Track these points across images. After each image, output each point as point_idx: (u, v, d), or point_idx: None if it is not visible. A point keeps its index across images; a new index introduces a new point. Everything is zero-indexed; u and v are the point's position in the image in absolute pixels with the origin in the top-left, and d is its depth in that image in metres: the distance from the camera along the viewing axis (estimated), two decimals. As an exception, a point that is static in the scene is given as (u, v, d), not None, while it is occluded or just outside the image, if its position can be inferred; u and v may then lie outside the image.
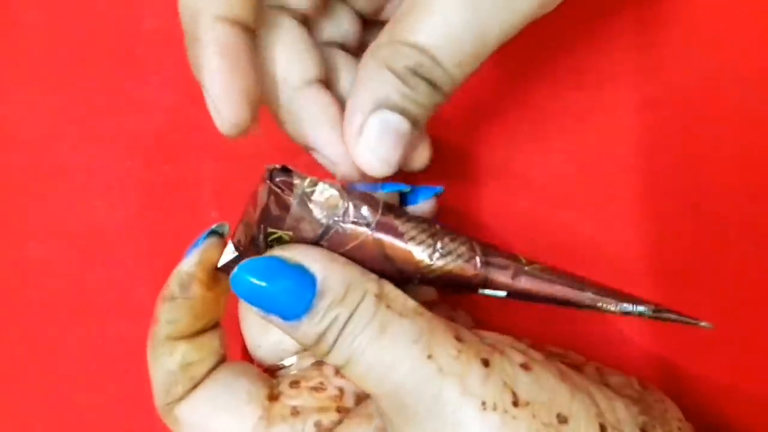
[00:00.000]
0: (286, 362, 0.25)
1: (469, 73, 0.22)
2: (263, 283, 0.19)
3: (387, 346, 0.19)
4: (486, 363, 0.19)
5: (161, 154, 0.30)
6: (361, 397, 0.23)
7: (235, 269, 0.20)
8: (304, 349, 0.25)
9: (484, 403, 0.19)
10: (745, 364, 0.27)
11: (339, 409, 0.22)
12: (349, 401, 0.23)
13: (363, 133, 0.22)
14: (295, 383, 0.23)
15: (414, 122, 0.22)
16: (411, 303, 0.20)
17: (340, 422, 0.22)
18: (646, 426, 0.20)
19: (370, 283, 0.20)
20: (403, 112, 0.21)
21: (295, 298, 0.19)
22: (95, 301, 0.30)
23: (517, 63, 0.30)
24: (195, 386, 0.23)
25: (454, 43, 0.21)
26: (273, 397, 0.23)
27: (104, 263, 0.30)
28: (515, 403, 0.19)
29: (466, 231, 0.29)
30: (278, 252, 0.20)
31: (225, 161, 0.30)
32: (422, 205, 0.25)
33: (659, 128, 0.28)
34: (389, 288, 0.20)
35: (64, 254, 0.30)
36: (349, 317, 0.19)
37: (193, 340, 0.23)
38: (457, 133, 0.29)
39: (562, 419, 0.19)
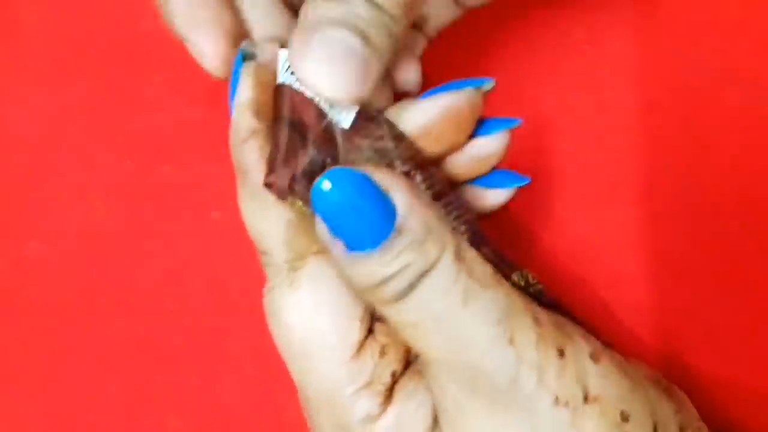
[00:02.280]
0: None
1: None
2: (357, 196, 0.18)
3: (468, 321, 0.18)
4: (561, 353, 0.19)
5: (161, 154, 0.30)
6: None
7: (322, 177, 0.18)
8: None
9: (557, 399, 0.18)
10: (744, 364, 0.27)
11: (407, 360, 0.21)
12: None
13: (305, 53, 0.19)
14: (381, 318, 0.21)
15: (364, 37, 0.19)
16: (488, 268, 0.19)
17: (400, 376, 0.21)
18: (682, 424, 0.20)
19: (448, 236, 0.19)
20: (349, 26, 0.19)
21: (370, 225, 0.18)
22: (95, 301, 0.30)
23: (517, 63, 0.30)
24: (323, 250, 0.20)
25: None
26: (370, 329, 0.21)
27: (104, 263, 0.30)
28: (586, 398, 0.19)
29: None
30: (369, 170, 0.18)
31: (226, 161, 0.30)
32: (493, 139, 0.22)
33: (659, 128, 0.28)
34: (465, 244, 0.19)
35: (64, 254, 0.30)
36: (426, 272, 0.18)
37: None
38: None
39: (625, 417, 0.19)
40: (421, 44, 0.26)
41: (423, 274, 0.18)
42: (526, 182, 0.23)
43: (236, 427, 0.29)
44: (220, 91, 0.31)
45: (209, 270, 0.29)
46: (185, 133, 0.30)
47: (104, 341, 0.29)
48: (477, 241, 0.20)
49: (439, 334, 0.18)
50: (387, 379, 0.20)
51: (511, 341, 0.18)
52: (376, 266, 0.18)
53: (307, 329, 0.20)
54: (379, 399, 0.20)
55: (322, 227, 0.19)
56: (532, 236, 0.29)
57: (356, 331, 0.20)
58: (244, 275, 0.29)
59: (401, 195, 0.18)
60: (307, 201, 0.19)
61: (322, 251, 0.20)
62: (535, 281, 0.22)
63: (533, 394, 0.18)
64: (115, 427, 0.29)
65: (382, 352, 0.20)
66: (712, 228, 0.28)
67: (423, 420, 0.20)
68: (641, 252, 0.28)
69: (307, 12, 0.20)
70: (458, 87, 0.21)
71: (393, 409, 0.20)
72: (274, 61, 0.21)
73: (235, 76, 0.21)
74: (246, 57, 0.21)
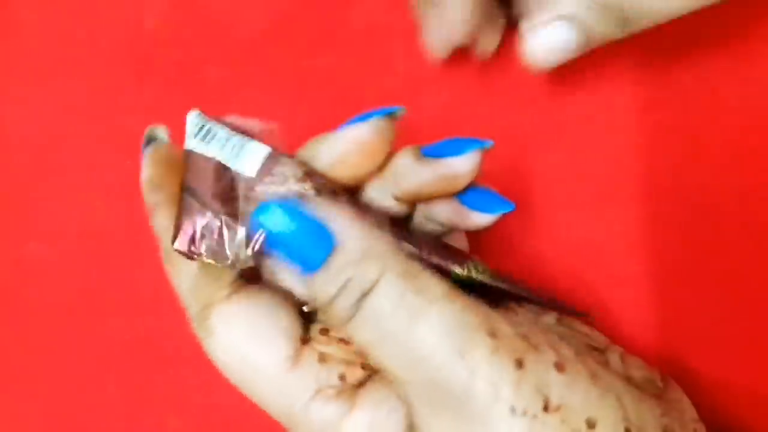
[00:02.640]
0: None
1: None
2: (291, 224, 0.19)
3: (418, 337, 0.19)
4: (520, 364, 0.19)
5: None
6: None
7: (270, 204, 0.20)
8: None
9: (513, 408, 0.18)
10: (745, 365, 0.27)
11: (364, 366, 0.22)
12: None
13: (537, 36, 0.25)
14: (324, 330, 0.22)
15: (585, 37, 0.25)
16: (442, 287, 0.20)
17: (363, 382, 0.21)
18: (667, 429, 0.20)
19: (390, 256, 0.20)
20: (578, 23, 0.25)
21: (314, 249, 0.19)
22: (95, 301, 0.30)
23: (517, 63, 0.30)
24: (233, 292, 0.22)
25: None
26: (304, 339, 0.22)
27: (104, 263, 0.30)
28: (546, 408, 0.19)
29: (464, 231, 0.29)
30: (305, 203, 0.20)
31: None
32: (462, 160, 0.23)
33: (659, 128, 0.28)
34: (417, 267, 0.20)
35: (64, 254, 0.30)
36: (368, 290, 0.19)
37: None
38: (457, 133, 0.29)
39: (591, 424, 0.19)
40: None
41: (365, 293, 0.19)
42: (511, 209, 0.24)
43: (236, 427, 0.29)
44: (220, 91, 0.31)
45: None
46: (184, 133, 0.30)
47: (104, 341, 0.29)
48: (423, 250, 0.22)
49: (392, 352, 0.19)
50: (335, 382, 0.21)
51: (463, 355, 0.19)
52: (322, 285, 0.19)
53: (239, 361, 0.21)
54: (337, 403, 0.20)
55: (274, 261, 0.20)
56: (532, 236, 0.28)
57: (282, 347, 0.21)
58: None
59: (337, 219, 0.20)
60: (212, 256, 0.20)
61: (227, 298, 0.21)
62: (483, 269, 0.22)
63: (488, 404, 0.18)
64: (115, 427, 0.29)
65: (322, 359, 0.21)
66: (711, 228, 0.27)
67: (396, 425, 0.20)
68: (641, 252, 0.28)
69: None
70: (366, 118, 0.22)
71: (362, 414, 0.20)
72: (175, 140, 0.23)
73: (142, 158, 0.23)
74: (149, 140, 0.23)
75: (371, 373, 0.22)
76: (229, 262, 0.20)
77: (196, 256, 0.21)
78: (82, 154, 0.31)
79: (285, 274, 0.20)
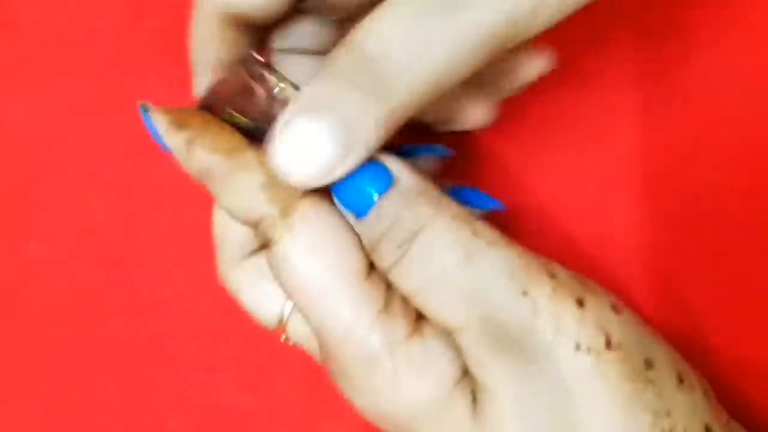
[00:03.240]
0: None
1: (419, 85, 0.18)
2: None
3: (476, 277, 0.18)
4: (581, 303, 0.19)
5: (161, 153, 0.30)
6: None
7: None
8: None
9: (578, 345, 0.18)
10: (744, 365, 0.27)
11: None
12: None
13: (281, 135, 0.19)
14: None
15: (348, 130, 0.19)
16: (496, 232, 0.19)
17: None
18: (707, 390, 0.21)
19: (445, 200, 0.19)
20: (335, 115, 0.19)
21: (372, 184, 0.19)
22: (95, 301, 0.30)
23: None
24: (308, 196, 0.20)
25: (397, 46, 0.18)
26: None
27: (104, 263, 0.30)
28: (608, 345, 0.19)
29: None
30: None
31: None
32: (422, 164, 0.23)
33: (659, 128, 0.28)
34: (470, 214, 0.19)
35: (64, 254, 0.30)
36: (421, 227, 0.19)
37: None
38: (455, 132, 0.29)
39: (649, 364, 0.19)
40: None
41: (419, 229, 0.19)
42: (501, 208, 0.24)
43: (236, 427, 0.29)
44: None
45: (209, 270, 0.29)
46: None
47: (104, 341, 0.29)
48: None
49: (445, 295, 0.19)
50: (399, 302, 0.20)
51: (525, 293, 0.18)
52: (372, 223, 0.19)
53: (313, 267, 0.20)
54: (401, 324, 0.20)
55: (337, 201, 0.20)
56: (532, 236, 0.28)
57: (360, 258, 0.20)
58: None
59: (394, 161, 0.19)
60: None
61: (307, 194, 0.20)
62: None
63: (553, 342, 0.18)
64: (115, 427, 0.29)
65: (389, 284, 0.20)
66: (712, 228, 0.28)
67: (450, 364, 0.20)
68: (641, 252, 0.28)
69: (304, 90, 0.19)
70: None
71: (420, 341, 0.20)
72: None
73: (151, 130, 0.22)
74: (146, 110, 0.22)
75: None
76: None
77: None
78: (82, 154, 0.31)
79: (344, 212, 0.20)
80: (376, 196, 0.19)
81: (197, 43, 0.23)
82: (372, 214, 0.19)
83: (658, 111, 0.28)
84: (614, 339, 0.19)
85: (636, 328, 0.20)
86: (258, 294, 0.23)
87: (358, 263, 0.20)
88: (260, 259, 0.23)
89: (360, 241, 0.20)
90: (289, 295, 0.21)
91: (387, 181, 0.19)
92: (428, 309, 0.19)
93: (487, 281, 0.18)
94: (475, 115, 0.23)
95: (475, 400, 0.19)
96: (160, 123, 0.21)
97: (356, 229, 0.20)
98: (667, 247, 0.28)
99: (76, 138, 0.31)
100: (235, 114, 0.21)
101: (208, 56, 0.23)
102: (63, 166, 0.31)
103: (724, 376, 0.27)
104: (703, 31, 0.29)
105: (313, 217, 0.20)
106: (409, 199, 0.19)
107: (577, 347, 0.18)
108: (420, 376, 0.19)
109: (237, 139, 0.21)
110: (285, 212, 0.20)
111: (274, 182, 0.20)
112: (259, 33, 0.23)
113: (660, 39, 0.29)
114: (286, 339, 0.24)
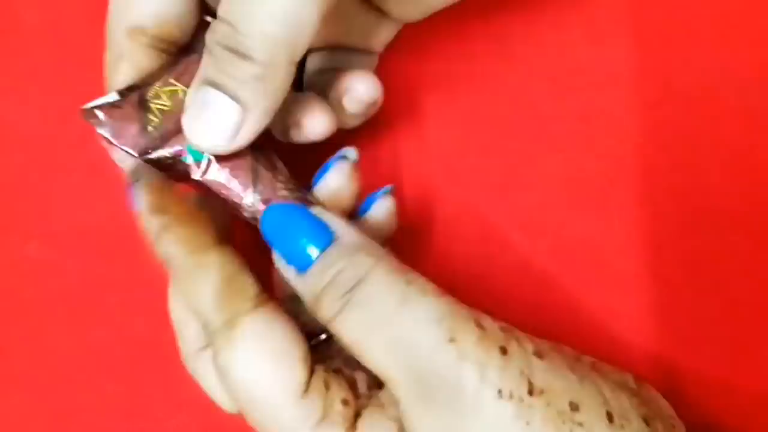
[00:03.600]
0: None
1: (279, 34, 0.20)
2: (291, 222, 0.21)
3: (408, 323, 0.19)
4: (504, 351, 0.19)
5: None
6: (371, 386, 0.23)
7: (266, 210, 0.22)
8: None
9: (500, 392, 0.19)
10: (744, 364, 0.27)
11: (357, 396, 0.22)
12: (362, 387, 0.23)
13: (185, 113, 0.22)
14: (319, 360, 0.23)
15: (233, 96, 0.21)
16: (431, 285, 0.20)
17: (359, 410, 0.22)
18: (647, 417, 0.20)
19: (383, 252, 0.20)
20: (219, 86, 0.21)
21: (313, 242, 0.20)
22: (95, 302, 0.30)
23: (517, 63, 0.30)
24: (258, 305, 0.22)
25: (246, 10, 0.20)
26: (312, 367, 0.22)
27: (104, 263, 0.30)
28: (530, 392, 0.19)
29: (465, 231, 0.29)
30: (306, 206, 0.22)
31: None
32: (377, 209, 0.25)
33: (659, 128, 0.28)
34: (407, 268, 0.21)
35: (64, 254, 0.30)
36: (361, 279, 0.20)
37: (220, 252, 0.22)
38: (456, 133, 0.29)
39: (574, 407, 0.19)
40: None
41: (359, 281, 0.20)
42: (387, 190, 0.25)
43: (235, 428, 0.29)
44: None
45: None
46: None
47: (104, 341, 0.29)
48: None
49: (381, 343, 0.19)
50: (339, 407, 0.21)
51: (452, 340, 0.19)
52: (315, 276, 0.20)
53: (255, 380, 0.21)
54: (341, 429, 0.21)
55: (277, 259, 0.21)
56: (532, 237, 0.28)
57: (300, 371, 0.21)
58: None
59: (334, 219, 0.21)
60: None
61: (253, 309, 0.21)
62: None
63: (477, 389, 0.19)
64: (114, 427, 0.29)
65: (326, 385, 0.21)
66: (712, 228, 0.28)
67: None
68: (641, 252, 0.28)
69: (199, 69, 0.22)
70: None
71: None
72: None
73: (132, 199, 0.23)
74: (136, 178, 0.23)
75: (365, 401, 0.22)
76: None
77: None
78: (83, 154, 0.31)
79: (284, 269, 0.21)
80: (317, 252, 0.20)
81: (110, 62, 0.24)
82: (315, 268, 0.20)
83: (658, 111, 0.28)
84: (537, 384, 0.19)
85: (561, 371, 0.20)
86: (217, 383, 0.23)
87: (297, 378, 0.21)
88: None
89: (302, 355, 0.21)
90: (236, 402, 0.22)
91: (328, 237, 0.21)
92: (367, 359, 0.20)
93: (417, 327, 0.19)
94: (314, 126, 0.24)
95: None
96: (142, 201, 0.22)
97: (297, 286, 0.21)
98: (667, 248, 0.28)
99: (77, 138, 0.31)
100: (174, 83, 0.22)
101: (120, 75, 0.24)
102: (63, 166, 0.31)
103: (723, 376, 0.27)
104: (703, 31, 0.29)
105: (255, 334, 0.21)
106: (350, 253, 0.20)
107: (500, 394, 0.19)
108: None
109: (207, 238, 0.22)
110: (230, 323, 0.21)
111: (228, 290, 0.21)
112: (171, 50, 0.24)
113: (660, 39, 0.29)
114: None
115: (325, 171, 0.24)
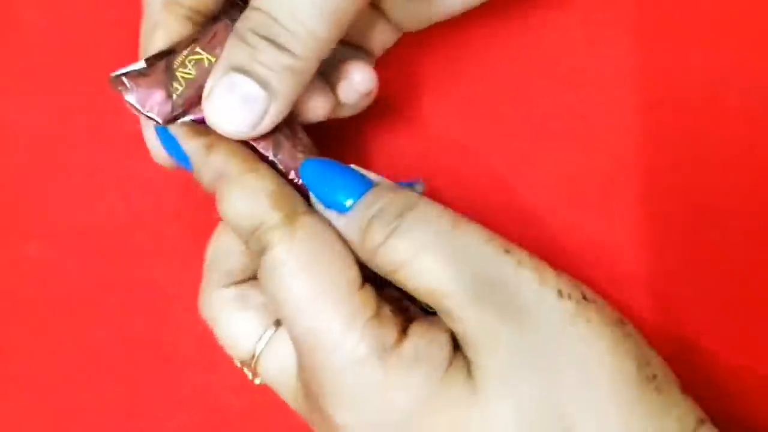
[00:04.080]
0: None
1: (318, 30, 0.21)
2: (331, 170, 0.22)
3: (464, 238, 0.20)
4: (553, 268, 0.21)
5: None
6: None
7: (305, 162, 0.22)
8: None
9: (560, 292, 0.20)
10: (745, 361, 0.27)
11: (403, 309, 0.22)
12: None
13: (210, 96, 0.22)
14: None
15: (263, 84, 0.22)
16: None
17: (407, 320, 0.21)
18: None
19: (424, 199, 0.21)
20: (250, 73, 0.22)
21: (352, 187, 0.21)
22: (95, 302, 0.30)
23: (517, 62, 0.30)
24: (309, 211, 0.22)
25: (286, 1, 0.21)
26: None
27: (104, 263, 0.30)
28: (585, 298, 0.20)
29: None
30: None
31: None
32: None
33: (659, 128, 0.28)
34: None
35: (64, 254, 0.30)
36: (410, 206, 0.20)
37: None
38: (457, 132, 0.29)
39: (622, 321, 0.21)
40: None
41: (406, 209, 0.21)
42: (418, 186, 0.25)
43: (234, 428, 0.29)
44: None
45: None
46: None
47: (103, 341, 0.29)
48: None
49: (439, 256, 0.20)
50: (389, 312, 0.21)
51: (507, 252, 0.20)
52: (362, 211, 0.21)
53: (309, 275, 0.21)
54: (391, 330, 0.20)
55: (317, 204, 0.22)
56: (532, 236, 0.28)
57: (355, 270, 0.21)
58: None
59: (371, 173, 0.22)
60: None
61: (309, 211, 0.22)
62: None
63: (538, 291, 0.20)
64: (114, 427, 0.29)
65: (379, 295, 0.21)
66: (712, 228, 0.28)
67: (441, 349, 0.20)
68: (641, 252, 0.28)
69: (224, 51, 0.22)
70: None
71: (408, 342, 0.20)
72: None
73: (165, 142, 0.24)
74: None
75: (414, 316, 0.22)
76: None
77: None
78: (82, 154, 0.31)
79: (325, 212, 0.22)
80: (357, 194, 0.21)
81: (145, 31, 0.24)
82: (361, 203, 0.21)
83: (659, 111, 0.28)
84: (588, 295, 0.21)
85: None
86: (234, 325, 0.23)
87: (352, 274, 0.21)
88: (243, 290, 0.24)
89: (354, 256, 0.21)
90: (276, 304, 0.21)
91: (368, 182, 0.22)
92: (417, 279, 0.20)
93: (473, 243, 0.20)
94: (316, 108, 0.24)
95: (469, 373, 0.20)
96: (178, 131, 0.23)
97: (341, 223, 0.21)
98: (667, 247, 0.28)
99: (76, 138, 0.31)
100: (200, 52, 0.23)
101: (155, 44, 0.24)
102: (63, 165, 0.31)
103: (723, 376, 0.27)
104: (703, 31, 0.29)
105: (315, 229, 0.21)
106: (393, 190, 0.21)
107: (560, 294, 0.20)
108: (409, 377, 0.20)
109: (251, 154, 0.23)
110: (288, 220, 0.21)
111: (281, 193, 0.22)
112: (204, 22, 0.24)
113: (661, 38, 0.29)
114: (254, 377, 0.24)
115: None
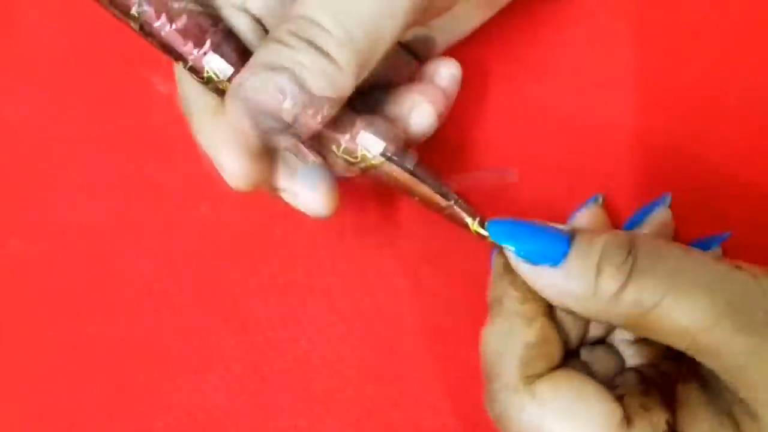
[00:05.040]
0: None
1: (359, 34, 0.20)
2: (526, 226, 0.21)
3: (706, 265, 0.19)
4: None
5: (148, 149, 0.30)
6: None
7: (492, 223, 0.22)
8: None
9: None
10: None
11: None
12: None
13: (240, 91, 0.20)
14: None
15: (300, 84, 0.20)
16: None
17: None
18: None
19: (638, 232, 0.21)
20: (286, 71, 0.20)
21: (556, 236, 0.20)
22: (79, 300, 0.29)
23: (518, 63, 0.29)
24: (553, 368, 0.22)
25: (328, 5, 0.20)
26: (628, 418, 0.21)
27: (90, 260, 0.30)
28: None
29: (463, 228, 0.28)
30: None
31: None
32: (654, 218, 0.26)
33: (659, 128, 0.28)
34: None
35: (48, 252, 0.30)
36: (632, 244, 0.19)
37: (547, 317, 0.22)
38: (457, 131, 0.29)
39: None
40: None
41: (630, 244, 0.19)
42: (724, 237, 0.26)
43: (224, 428, 0.28)
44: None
45: (198, 265, 0.29)
46: (174, 128, 0.30)
47: (89, 341, 0.29)
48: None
49: (688, 288, 0.19)
50: (663, 426, 0.20)
51: (739, 268, 0.19)
52: (584, 257, 0.20)
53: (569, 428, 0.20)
54: None
55: (517, 262, 0.21)
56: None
57: (617, 408, 0.20)
58: (234, 270, 0.29)
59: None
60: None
61: (549, 373, 0.21)
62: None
63: None
64: (101, 427, 0.29)
65: (645, 408, 0.21)
66: (713, 227, 0.27)
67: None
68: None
69: (255, 54, 0.21)
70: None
71: None
72: None
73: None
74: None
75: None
76: None
77: None
78: (69, 150, 0.31)
79: (532, 271, 0.21)
80: (565, 242, 0.20)
81: None
82: (577, 250, 0.20)
83: (658, 110, 0.28)
84: None
85: None
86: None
87: (618, 414, 0.20)
88: None
89: (609, 395, 0.21)
90: None
91: (561, 230, 0.21)
92: (670, 320, 0.19)
93: (711, 268, 0.19)
94: (421, 119, 0.24)
95: (750, 415, 0.19)
96: (498, 262, 0.23)
97: (556, 277, 0.20)
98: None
99: (63, 134, 0.31)
100: None
101: None
102: (49, 162, 0.31)
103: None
104: (703, 29, 0.28)
105: (563, 384, 0.21)
106: (599, 233, 0.20)
107: None
108: None
109: (539, 307, 0.22)
110: (530, 380, 0.21)
111: (536, 352, 0.21)
112: None
113: (659, 37, 0.29)
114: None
115: (645, 214, 0.26)
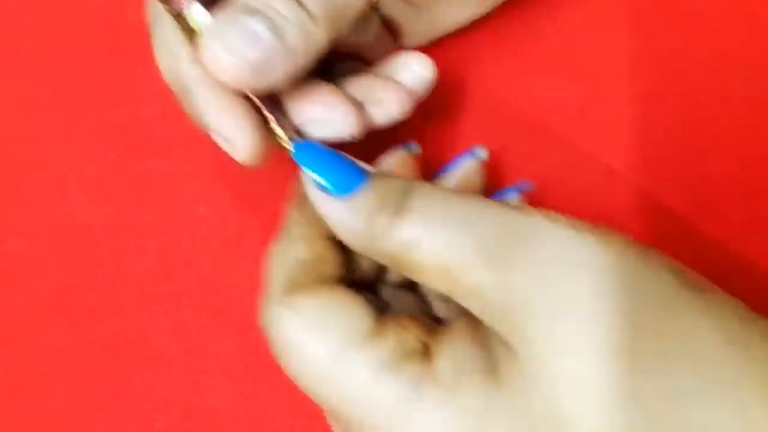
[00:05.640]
0: None
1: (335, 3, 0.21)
2: (326, 158, 0.21)
3: (473, 208, 0.19)
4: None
5: (147, 147, 0.30)
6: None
7: (300, 145, 0.22)
8: None
9: (573, 226, 0.19)
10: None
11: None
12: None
13: (215, 34, 0.20)
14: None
15: (275, 30, 0.20)
16: None
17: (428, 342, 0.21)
18: None
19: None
20: (262, 17, 0.20)
21: (354, 172, 0.20)
22: (77, 300, 0.29)
23: (515, 56, 0.29)
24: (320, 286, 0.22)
25: None
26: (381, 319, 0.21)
27: (87, 260, 0.29)
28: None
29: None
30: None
31: (212, 154, 0.29)
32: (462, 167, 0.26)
33: (658, 120, 0.28)
34: None
35: (45, 251, 0.30)
36: (410, 187, 0.20)
37: (331, 240, 0.22)
38: (456, 126, 0.29)
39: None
40: None
41: (408, 188, 0.20)
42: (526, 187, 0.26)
43: (222, 428, 0.28)
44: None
45: (196, 265, 0.29)
46: (171, 125, 0.30)
47: (87, 341, 0.29)
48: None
49: (451, 228, 0.19)
50: (416, 344, 0.20)
51: (522, 207, 0.20)
52: (368, 197, 0.20)
53: (320, 336, 0.20)
54: (418, 364, 0.20)
55: (308, 185, 0.21)
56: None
57: (367, 318, 0.20)
58: (231, 270, 0.29)
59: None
60: None
61: (315, 287, 0.21)
62: None
63: (552, 228, 0.19)
64: (100, 426, 0.29)
65: (403, 326, 0.21)
66: (713, 222, 0.27)
67: (475, 354, 0.20)
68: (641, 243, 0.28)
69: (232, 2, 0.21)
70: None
71: (443, 361, 0.20)
72: None
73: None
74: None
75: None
76: None
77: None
78: (65, 148, 0.31)
79: (323, 199, 0.21)
80: (360, 179, 0.20)
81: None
82: (366, 188, 0.20)
83: (658, 102, 0.28)
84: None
85: None
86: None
87: (368, 322, 0.20)
88: None
89: (363, 307, 0.21)
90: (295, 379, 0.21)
91: (365, 170, 0.21)
92: (431, 258, 0.19)
93: (481, 206, 0.19)
94: (391, 107, 0.24)
95: (517, 357, 0.19)
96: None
97: (336, 209, 0.21)
98: (667, 243, 0.27)
99: (59, 131, 0.31)
100: None
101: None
102: (44, 160, 0.30)
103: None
104: (702, 21, 0.28)
105: (317, 300, 0.21)
106: (390, 175, 0.21)
107: (573, 227, 0.19)
108: (454, 399, 0.19)
109: (322, 230, 0.22)
110: (291, 291, 0.21)
111: (308, 266, 0.22)
112: None
113: (658, 29, 0.29)
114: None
115: (454, 166, 0.26)
